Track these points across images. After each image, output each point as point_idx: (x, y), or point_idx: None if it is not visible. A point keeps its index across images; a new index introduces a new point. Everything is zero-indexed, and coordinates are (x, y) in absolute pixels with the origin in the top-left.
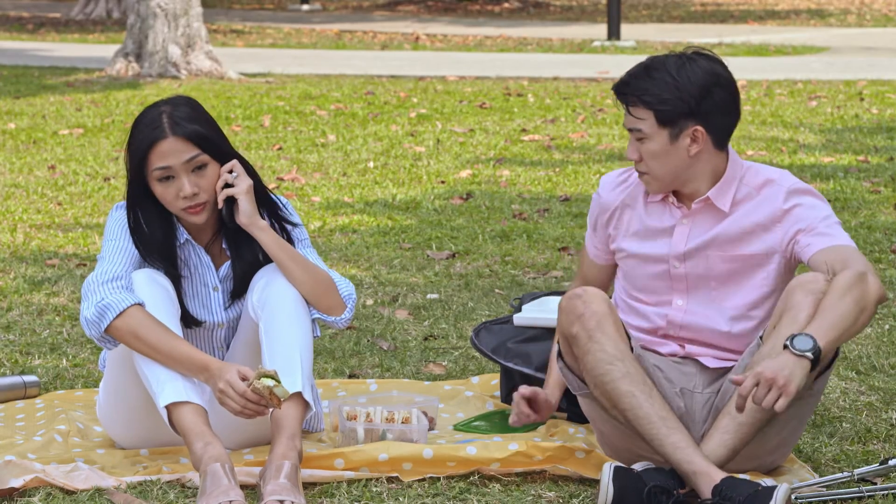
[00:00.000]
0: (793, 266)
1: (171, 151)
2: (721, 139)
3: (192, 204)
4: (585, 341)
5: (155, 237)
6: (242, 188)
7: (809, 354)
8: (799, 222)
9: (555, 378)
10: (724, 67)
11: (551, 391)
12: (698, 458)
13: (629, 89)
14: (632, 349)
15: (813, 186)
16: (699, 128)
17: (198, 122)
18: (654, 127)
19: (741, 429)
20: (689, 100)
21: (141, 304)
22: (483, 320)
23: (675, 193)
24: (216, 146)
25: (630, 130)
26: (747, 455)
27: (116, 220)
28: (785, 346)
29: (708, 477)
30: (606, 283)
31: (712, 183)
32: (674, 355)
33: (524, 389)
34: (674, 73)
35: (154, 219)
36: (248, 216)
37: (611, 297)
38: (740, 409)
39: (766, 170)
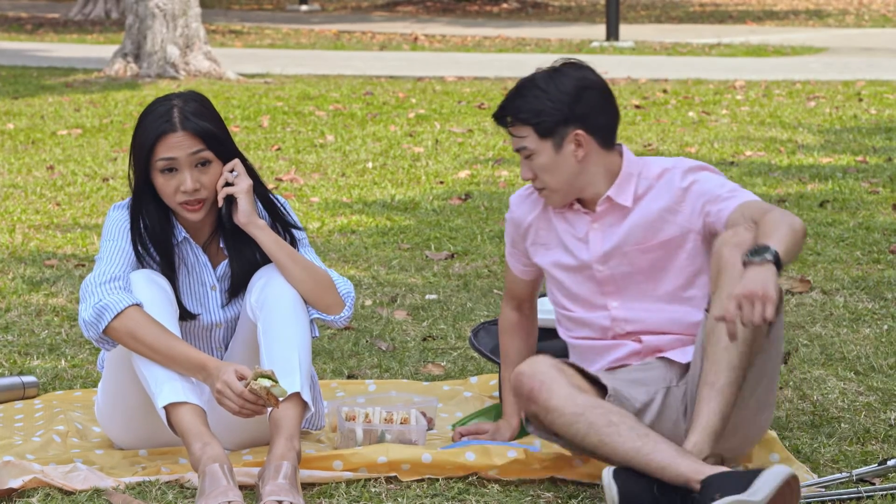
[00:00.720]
0: (710, 241)
1: (178, 145)
2: (605, 139)
3: (190, 199)
4: (544, 415)
5: (153, 231)
6: (242, 187)
7: (769, 257)
8: (702, 196)
9: (510, 406)
10: (593, 72)
11: (508, 419)
12: (684, 467)
13: (505, 112)
14: (596, 382)
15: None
16: (579, 131)
17: (207, 118)
18: (536, 141)
19: (723, 391)
20: (562, 107)
21: (139, 305)
22: (481, 321)
23: (580, 201)
24: (222, 145)
25: (518, 151)
26: (734, 426)
27: (114, 221)
28: (744, 263)
29: (696, 481)
30: (533, 294)
31: (610, 183)
32: (637, 354)
33: (462, 430)
34: (543, 86)
35: (153, 213)
36: (246, 215)
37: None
38: (732, 335)
39: (661, 161)
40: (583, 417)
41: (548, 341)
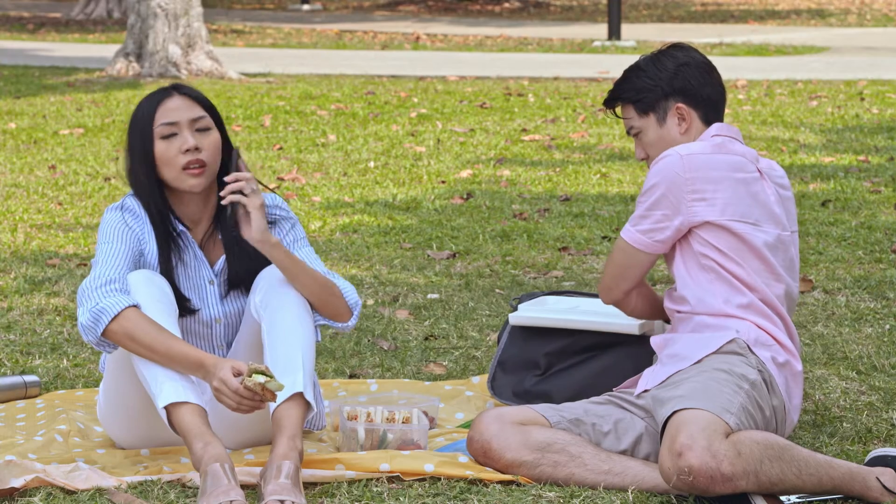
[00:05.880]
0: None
1: (178, 108)
2: (708, 113)
3: (193, 159)
4: (508, 469)
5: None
6: (256, 203)
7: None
8: None
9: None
10: (695, 51)
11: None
12: (654, 474)
13: (611, 95)
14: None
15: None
16: (681, 104)
17: (202, 94)
18: (640, 118)
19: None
20: (661, 83)
21: (136, 306)
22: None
23: None
24: (219, 116)
25: (629, 134)
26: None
27: (109, 223)
28: None
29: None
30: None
31: None
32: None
33: None
34: (644, 67)
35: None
36: (260, 232)
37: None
38: None
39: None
40: (543, 460)
41: (565, 376)
